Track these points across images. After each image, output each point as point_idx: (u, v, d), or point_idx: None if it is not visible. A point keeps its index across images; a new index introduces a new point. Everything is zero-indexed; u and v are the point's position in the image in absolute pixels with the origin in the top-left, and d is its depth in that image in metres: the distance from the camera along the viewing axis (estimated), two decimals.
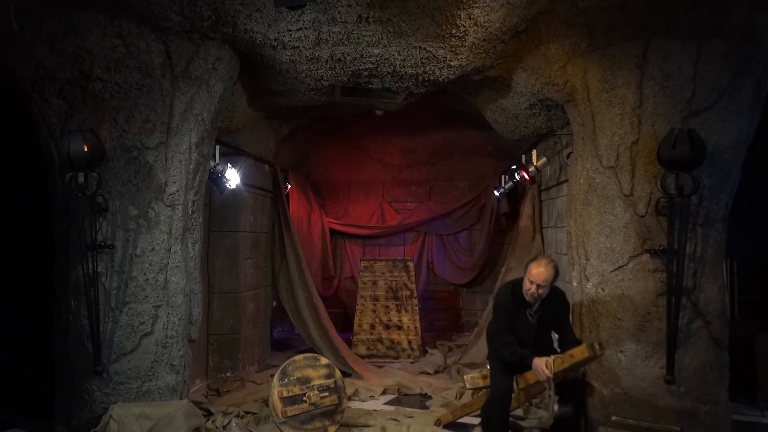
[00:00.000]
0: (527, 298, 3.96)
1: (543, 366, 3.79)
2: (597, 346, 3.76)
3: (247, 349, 6.57)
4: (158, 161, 4.14)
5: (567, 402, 4.06)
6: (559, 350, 4.11)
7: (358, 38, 4.29)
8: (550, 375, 3.76)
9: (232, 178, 5.80)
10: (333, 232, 9.25)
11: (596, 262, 4.27)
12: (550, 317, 4.07)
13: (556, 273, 3.95)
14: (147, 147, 4.10)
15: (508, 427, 4.13)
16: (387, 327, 7.45)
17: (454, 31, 4.16)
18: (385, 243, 9.45)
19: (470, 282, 9.28)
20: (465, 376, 4.62)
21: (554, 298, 4.05)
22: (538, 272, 3.88)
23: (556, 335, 4.19)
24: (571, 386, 4.00)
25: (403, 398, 5.79)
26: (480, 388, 4.49)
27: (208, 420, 4.66)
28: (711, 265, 4.02)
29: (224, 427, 4.66)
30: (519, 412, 4.94)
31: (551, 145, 6.32)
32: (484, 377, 4.44)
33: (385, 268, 7.64)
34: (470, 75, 4.93)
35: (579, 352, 3.77)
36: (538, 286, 3.88)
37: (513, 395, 4.07)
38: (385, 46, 4.40)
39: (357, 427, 4.76)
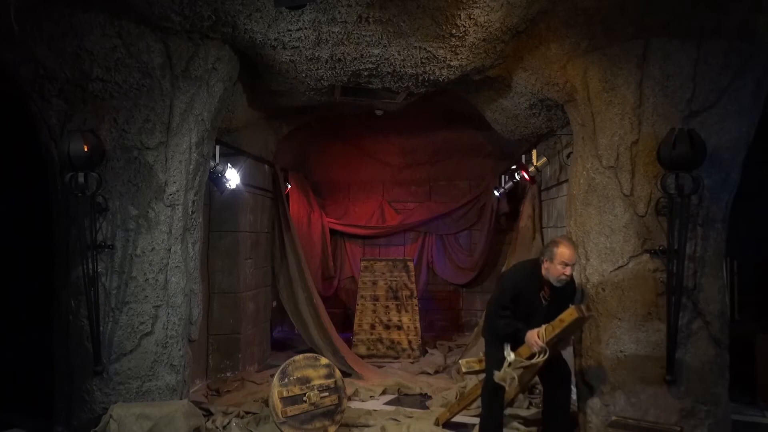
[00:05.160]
0: (557, 283, 3.91)
1: (535, 336, 3.82)
2: (584, 308, 3.79)
3: (247, 349, 6.57)
4: (158, 161, 4.14)
5: (555, 389, 4.14)
6: None
7: (358, 38, 4.29)
8: (543, 344, 3.80)
9: (232, 178, 5.80)
10: (333, 232, 9.25)
11: (596, 262, 4.27)
12: (560, 299, 4.04)
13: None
14: (147, 147, 4.10)
15: (504, 405, 4.19)
16: (387, 327, 7.45)
17: (454, 31, 4.16)
18: (385, 243, 9.45)
19: (470, 282, 9.28)
20: (461, 360, 4.67)
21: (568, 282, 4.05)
22: (570, 254, 3.85)
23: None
24: (558, 373, 4.06)
25: (403, 398, 5.79)
26: (475, 372, 4.53)
27: (208, 420, 4.66)
28: (711, 265, 4.02)
29: (224, 427, 4.66)
30: (521, 412, 4.95)
31: (551, 145, 6.32)
32: (479, 361, 4.48)
33: (385, 268, 7.64)
34: (470, 75, 4.93)
35: (568, 315, 3.78)
36: (572, 266, 3.89)
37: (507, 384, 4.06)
38: (385, 46, 4.40)
39: (357, 427, 4.77)
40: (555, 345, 3.95)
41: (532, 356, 3.89)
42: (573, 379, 4.31)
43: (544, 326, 3.84)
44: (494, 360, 4.08)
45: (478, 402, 4.48)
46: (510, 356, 3.95)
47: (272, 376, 4.56)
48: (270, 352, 7.53)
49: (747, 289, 5.84)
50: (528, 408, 5.09)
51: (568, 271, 3.86)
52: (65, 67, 3.91)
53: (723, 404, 4.04)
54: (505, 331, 4.02)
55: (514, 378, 3.93)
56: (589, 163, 4.36)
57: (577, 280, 4.49)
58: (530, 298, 4.02)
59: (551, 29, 4.25)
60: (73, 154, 3.77)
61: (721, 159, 3.96)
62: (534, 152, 6.38)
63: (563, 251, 3.85)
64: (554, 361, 4.03)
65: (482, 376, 4.38)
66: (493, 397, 4.13)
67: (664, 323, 3.91)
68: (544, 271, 3.96)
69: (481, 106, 5.85)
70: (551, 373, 4.12)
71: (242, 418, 4.89)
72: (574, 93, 4.50)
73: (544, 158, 6.24)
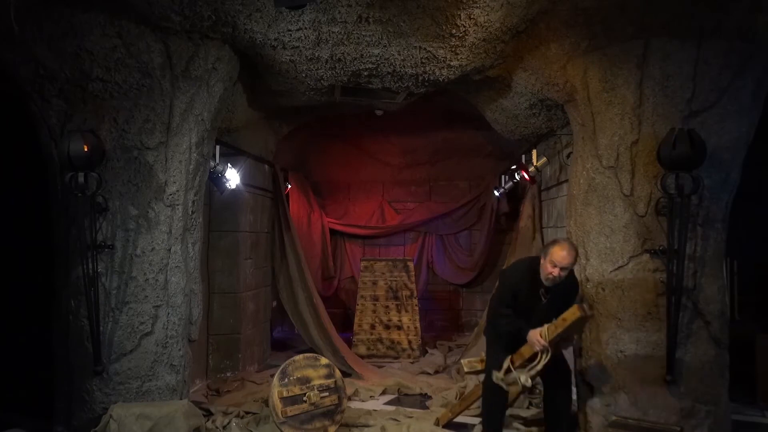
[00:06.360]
0: (545, 281, 3.88)
1: (537, 336, 3.83)
2: (586, 307, 3.80)
3: (247, 349, 6.57)
4: (158, 161, 4.14)
5: (556, 388, 4.14)
6: None
7: (358, 38, 4.29)
8: (545, 343, 3.80)
9: (232, 178, 5.80)
10: (333, 232, 9.26)
11: (596, 262, 4.27)
12: (561, 299, 3.99)
13: (577, 257, 3.92)
14: (147, 147, 4.10)
15: (506, 405, 4.20)
16: (387, 327, 7.45)
17: (454, 31, 4.16)
18: (385, 243, 9.46)
19: (470, 282, 9.29)
20: (462, 360, 4.66)
21: (569, 280, 3.99)
22: (562, 256, 3.77)
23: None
24: (558, 373, 4.07)
25: (403, 398, 5.79)
26: (478, 372, 4.53)
27: (208, 420, 4.66)
28: (711, 265, 4.02)
29: (224, 427, 4.66)
30: (521, 412, 4.95)
31: (551, 145, 6.32)
32: (481, 361, 4.47)
33: (385, 268, 7.64)
34: (470, 75, 4.93)
35: (570, 314, 3.78)
36: (562, 269, 3.78)
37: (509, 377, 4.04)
38: (385, 46, 4.40)
39: (357, 427, 4.77)
40: (557, 345, 3.95)
41: (534, 356, 3.88)
42: (573, 379, 4.31)
43: (546, 326, 3.84)
44: (495, 360, 4.08)
45: (479, 402, 4.48)
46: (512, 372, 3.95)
47: (272, 376, 4.56)
48: (270, 352, 7.53)
49: (747, 289, 5.83)
50: (528, 408, 5.09)
51: (555, 272, 3.78)
52: (65, 67, 3.91)
53: (723, 404, 4.04)
54: (506, 330, 4.02)
55: (516, 381, 3.93)
56: (589, 163, 4.36)
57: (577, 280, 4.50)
58: (529, 295, 4.00)
59: (551, 29, 4.25)
60: (73, 154, 3.76)
61: (721, 159, 3.96)
62: (534, 152, 6.38)
63: (556, 251, 3.80)
64: (555, 361, 4.01)
65: (483, 375, 4.37)
66: (493, 397, 4.13)
67: (664, 323, 3.91)
68: (541, 268, 3.95)
69: (481, 106, 5.85)
70: (552, 373, 4.09)
71: (242, 418, 4.89)
72: (574, 93, 4.50)
73: (544, 158, 6.24)
